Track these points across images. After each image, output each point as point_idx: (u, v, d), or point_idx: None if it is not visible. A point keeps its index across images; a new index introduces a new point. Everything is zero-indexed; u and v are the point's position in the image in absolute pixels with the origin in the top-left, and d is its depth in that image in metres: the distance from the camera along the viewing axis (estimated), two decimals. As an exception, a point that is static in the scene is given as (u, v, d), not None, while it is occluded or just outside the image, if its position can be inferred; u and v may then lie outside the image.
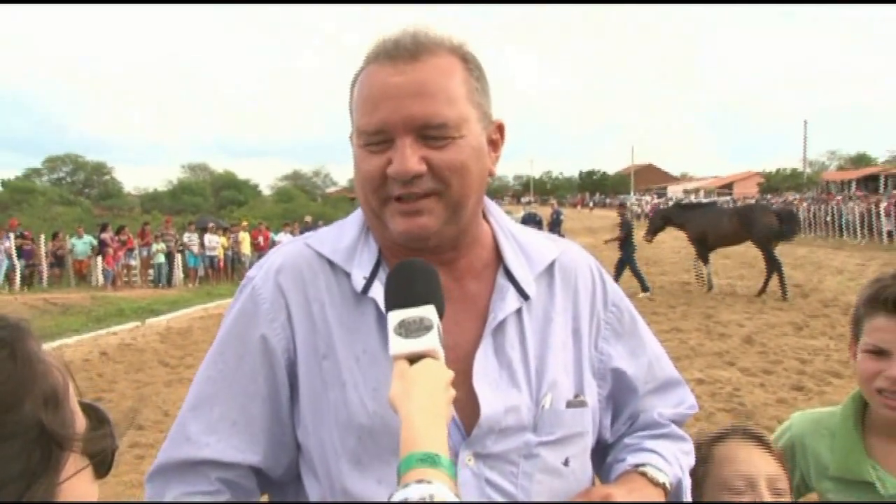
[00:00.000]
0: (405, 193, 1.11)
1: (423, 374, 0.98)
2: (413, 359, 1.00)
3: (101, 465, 0.73)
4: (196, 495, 1.14)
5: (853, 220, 28.50)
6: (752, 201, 34.40)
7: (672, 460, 1.23)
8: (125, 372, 9.01)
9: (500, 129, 1.21)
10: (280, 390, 1.17)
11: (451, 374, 1.01)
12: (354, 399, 1.12)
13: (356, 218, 1.25)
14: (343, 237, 1.22)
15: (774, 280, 13.37)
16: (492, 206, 1.28)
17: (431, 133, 1.10)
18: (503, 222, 1.28)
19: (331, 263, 1.19)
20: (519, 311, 1.19)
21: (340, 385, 1.13)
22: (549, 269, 1.24)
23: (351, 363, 1.14)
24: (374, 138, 1.12)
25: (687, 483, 1.27)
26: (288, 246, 1.25)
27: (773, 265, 13.53)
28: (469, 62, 1.16)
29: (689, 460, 1.29)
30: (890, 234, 25.84)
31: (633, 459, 1.22)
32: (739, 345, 9.30)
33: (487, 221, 1.26)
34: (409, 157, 1.09)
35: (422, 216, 1.12)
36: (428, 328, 1.01)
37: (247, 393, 1.16)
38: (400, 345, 1.01)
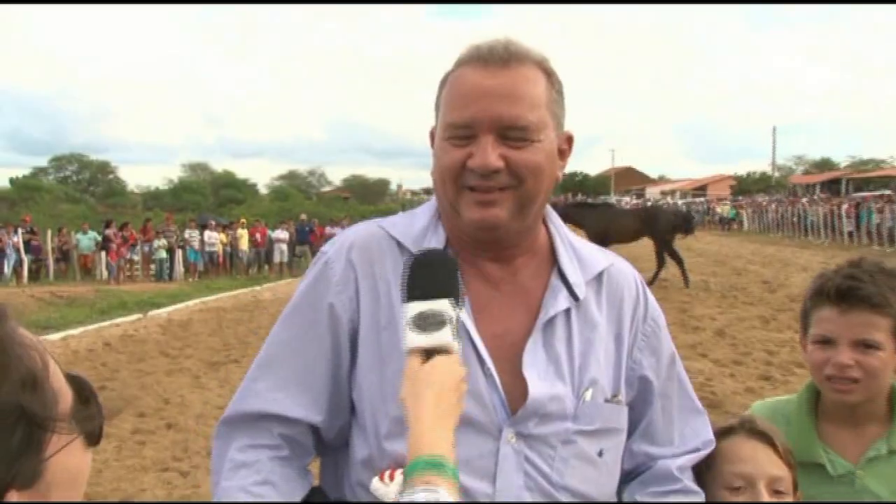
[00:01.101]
0: (481, 186, 1.18)
1: (434, 374, 1.00)
2: (429, 352, 1.02)
3: (90, 436, 0.75)
4: (258, 448, 1.20)
5: (817, 221, 28.98)
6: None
7: None
8: (127, 362, 9.06)
9: (570, 140, 1.28)
10: (342, 355, 1.24)
11: (463, 371, 1.04)
12: None
13: (428, 207, 1.32)
14: (414, 223, 1.29)
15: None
16: (552, 213, 1.34)
17: (513, 134, 1.17)
18: (562, 230, 1.34)
19: (399, 245, 1.26)
20: (568, 312, 1.25)
21: (399, 355, 1.16)
22: (599, 277, 1.30)
23: None
24: (460, 132, 1.19)
25: None
26: (361, 226, 1.33)
27: (675, 258, 14.80)
28: (551, 76, 1.23)
29: None
30: (850, 234, 26.29)
31: None
32: (712, 337, 9.52)
33: (546, 227, 1.33)
34: (490, 153, 1.16)
35: (494, 207, 1.19)
36: (443, 323, 1.01)
37: (314, 355, 1.23)
38: (414, 339, 1.02)
